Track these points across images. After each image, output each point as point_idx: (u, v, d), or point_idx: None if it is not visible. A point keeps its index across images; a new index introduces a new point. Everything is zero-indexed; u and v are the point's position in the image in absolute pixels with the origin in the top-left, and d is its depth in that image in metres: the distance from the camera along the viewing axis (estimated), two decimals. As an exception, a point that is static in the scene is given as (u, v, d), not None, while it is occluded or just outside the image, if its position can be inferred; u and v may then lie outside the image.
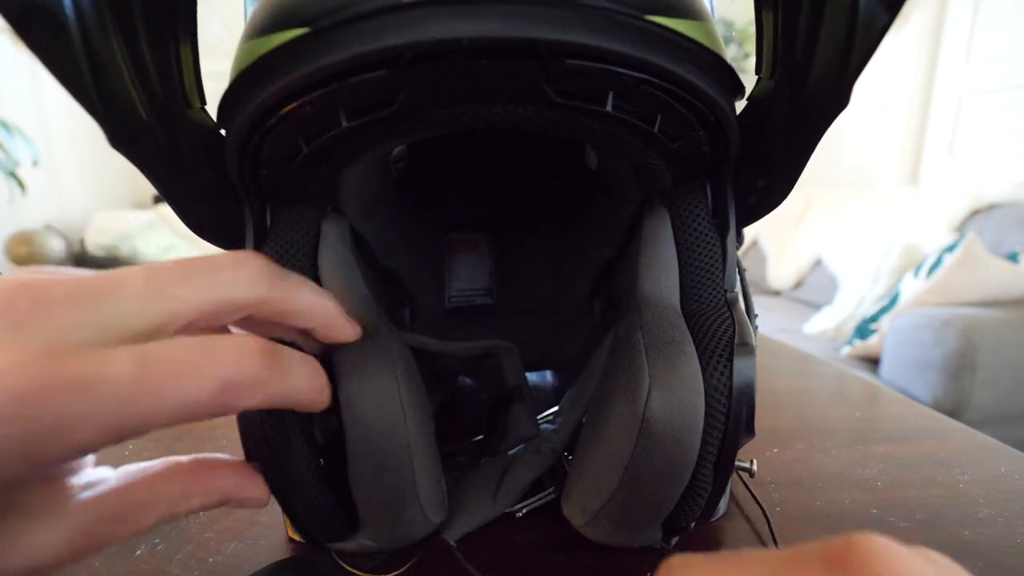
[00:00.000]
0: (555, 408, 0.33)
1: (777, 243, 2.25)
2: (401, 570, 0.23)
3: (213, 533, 0.25)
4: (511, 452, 0.28)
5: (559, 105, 0.19)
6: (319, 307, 0.19)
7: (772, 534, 0.26)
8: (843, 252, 1.91)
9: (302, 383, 0.17)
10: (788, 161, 0.22)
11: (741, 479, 0.29)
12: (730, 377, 0.20)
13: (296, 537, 0.25)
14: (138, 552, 0.23)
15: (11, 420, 0.12)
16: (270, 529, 0.25)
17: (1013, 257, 1.38)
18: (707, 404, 0.20)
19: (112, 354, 0.14)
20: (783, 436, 0.36)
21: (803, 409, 0.41)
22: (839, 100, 0.18)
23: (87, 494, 0.16)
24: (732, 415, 0.20)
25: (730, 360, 0.21)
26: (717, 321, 0.22)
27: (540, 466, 0.27)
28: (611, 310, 0.34)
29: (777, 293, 2.21)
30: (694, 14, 0.19)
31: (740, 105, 0.24)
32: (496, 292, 0.40)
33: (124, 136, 0.18)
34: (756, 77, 0.22)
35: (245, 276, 0.16)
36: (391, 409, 0.21)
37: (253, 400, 0.16)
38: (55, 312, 0.14)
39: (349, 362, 0.21)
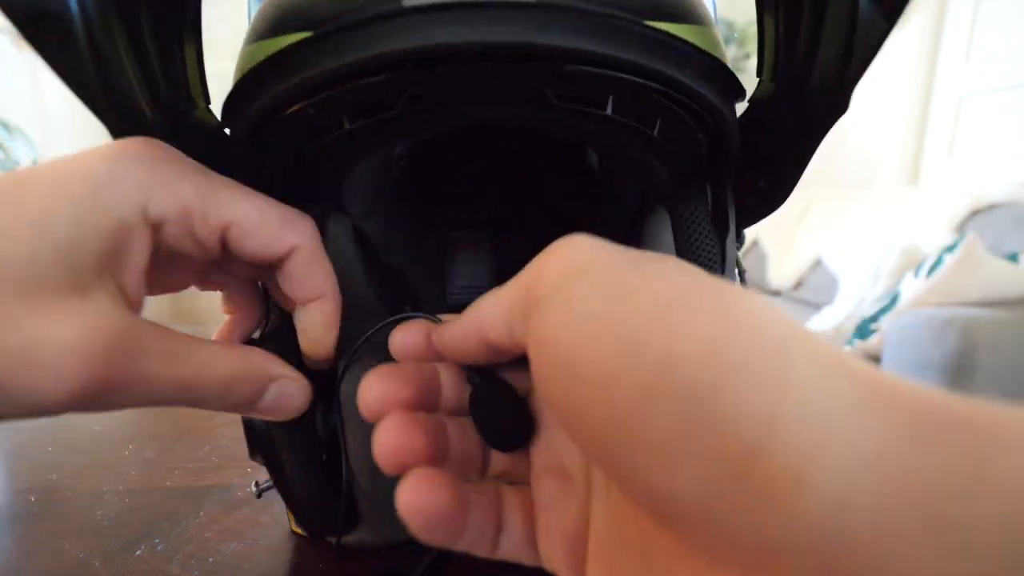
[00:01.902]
0: None
1: (777, 243, 2.25)
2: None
3: (213, 533, 0.25)
4: None
5: (559, 108, 0.19)
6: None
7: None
8: (843, 252, 1.91)
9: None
10: (789, 165, 0.22)
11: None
12: None
13: (299, 531, 0.25)
14: (138, 552, 0.23)
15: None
16: (270, 529, 0.25)
17: (1013, 257, 1.38)
18: None
19: None
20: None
21: (803, 409, 0.41)
22: (839, 105, 0.19)
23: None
24: None
25: None
26: None
27: None
28: None
29: (777, 293, 2.21)
30: (695, 19, 0.19)
31: (741, 109, 0.24)
32: None
33: (128, 134, 0.18)
34: (757, 79, 0.22)
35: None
36: None
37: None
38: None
39: (347, 359, 0.21)
